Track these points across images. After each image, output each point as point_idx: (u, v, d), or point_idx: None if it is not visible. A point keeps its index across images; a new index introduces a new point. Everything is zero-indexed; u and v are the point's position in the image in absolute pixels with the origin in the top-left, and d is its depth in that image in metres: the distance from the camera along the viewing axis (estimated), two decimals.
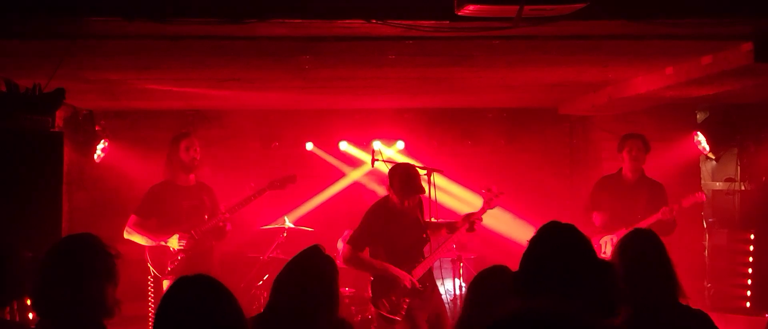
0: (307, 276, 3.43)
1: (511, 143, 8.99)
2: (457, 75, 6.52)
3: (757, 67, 5.18)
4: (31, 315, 3.97)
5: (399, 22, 4.24)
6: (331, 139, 8.78)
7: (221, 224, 6.45)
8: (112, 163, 8.08)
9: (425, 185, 6.04)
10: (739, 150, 8.50)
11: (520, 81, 6.90)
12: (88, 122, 7.67)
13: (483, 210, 6.07)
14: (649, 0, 4.35)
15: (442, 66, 6.02)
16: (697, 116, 8.65)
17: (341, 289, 6.94)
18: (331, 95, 7.71)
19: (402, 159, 7.34)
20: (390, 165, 6.09)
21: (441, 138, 8.84)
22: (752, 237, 7.93)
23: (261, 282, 7.28)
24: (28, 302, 3.57)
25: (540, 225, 2.73)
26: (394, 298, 5.74)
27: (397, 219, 5.84)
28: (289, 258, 3.54)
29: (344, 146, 8.81)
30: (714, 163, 8.92)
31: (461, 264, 7.07)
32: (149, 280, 6.47)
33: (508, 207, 8.65)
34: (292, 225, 7.53)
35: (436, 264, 6.37)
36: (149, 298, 6.57)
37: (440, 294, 6.21)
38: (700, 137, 8.02)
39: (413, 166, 5.99)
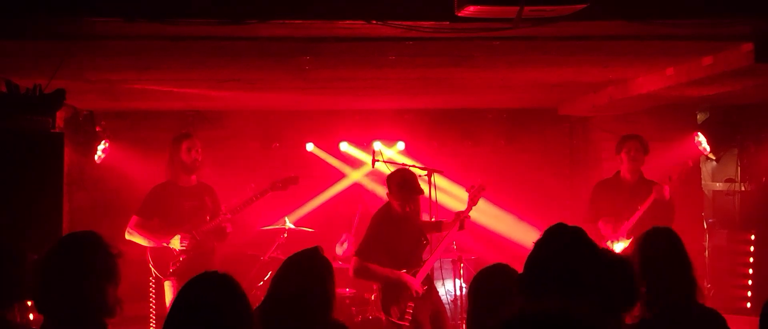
0: (303, 276, 3.43)
1: (511, 143, 9.00)
2: (457, 75, 6.51)
3: (758, 68, 5.17)
4: (31, 316, 3.96)
5: (399, 22, 4.23)
6: (332, 140, 8.78)
7: (223, 225, 6.45)
8: (113, 164, 8.08)
9: (424, 186, 6.06)
10: (739, 150, 8.50)
11: (520, 81, 6.90)
12: (89, 123, 7.67)
13: (469, 207, 6.11)
14: (649, 0, 4.34)
15: (442, 66, 6.02)
16: (698, 117, 8.65)
17: (341, 290, 7.02)
18: (331, 96, 7.71)
19: (402, 160, 7.34)
20: (390, 166, 6.11)
21: (441, 138, 8.84)
22: (752, 237, 7.93)
23: (262, 283, 7.27)
24: (29, 303, 3.57)
25: (540, 225, 2.75)
26: (402, 304, 5.79)
27: (399, 226, 5.90)
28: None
29: (345, 147, 8.81)
30: (714, 163, 8.92)
31: (461, 265, 7.07)
32: (151, 281, 6.47)
33: (508, 208, 8.67)
34: (292, 226, 7.53)
35: (436, 264, 6.40)
36: (151, 299, 6.56)
37: (437, 291, 6.27)
38: (701, 137, 8.01)
39: (409, 170, 6.02)
